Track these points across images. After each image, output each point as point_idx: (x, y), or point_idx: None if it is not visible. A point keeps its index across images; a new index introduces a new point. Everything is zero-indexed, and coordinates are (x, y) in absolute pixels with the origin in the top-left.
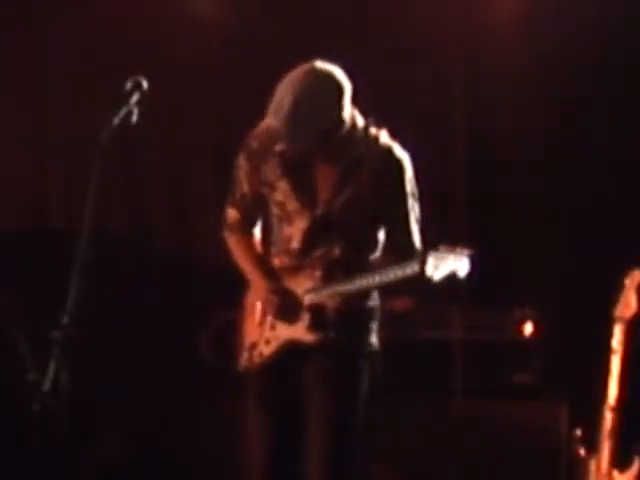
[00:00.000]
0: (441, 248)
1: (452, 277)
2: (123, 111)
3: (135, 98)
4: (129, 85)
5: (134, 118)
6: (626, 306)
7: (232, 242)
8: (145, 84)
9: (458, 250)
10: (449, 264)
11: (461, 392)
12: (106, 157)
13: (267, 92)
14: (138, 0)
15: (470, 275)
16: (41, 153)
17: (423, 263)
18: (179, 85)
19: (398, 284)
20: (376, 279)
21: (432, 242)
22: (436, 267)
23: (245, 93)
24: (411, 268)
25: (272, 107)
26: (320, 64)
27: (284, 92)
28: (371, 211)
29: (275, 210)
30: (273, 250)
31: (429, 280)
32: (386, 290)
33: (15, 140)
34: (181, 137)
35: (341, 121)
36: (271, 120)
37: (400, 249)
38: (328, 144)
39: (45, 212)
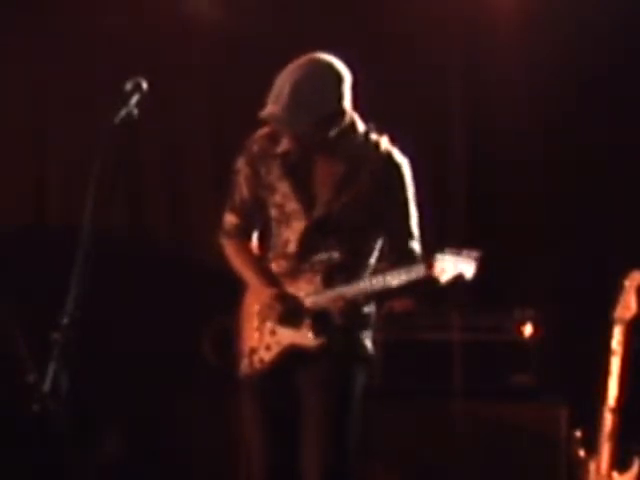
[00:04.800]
0: (447, 250)
1: (458, 280)
2: (123, 111)
3: (135, 99)
4: (129, 86)
5: (134, 118)
6: (626, 307)
7: (230, 248)
8: (145, 85)
9: (465, 253)
10: (456, 267)
11: (461, 393)
12: (106, 157)
13: (268, 93)
14: (138, 1)
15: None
16: (41, 153)
17: (431, 265)
18: (179, 85)
19: (404, 288)
20: (382, 282)
21: (434, 244)
22: (443, 269)
23: (246, 95)
24: (417, 271)
25: (272, 94)
26: (319, 54)
27: (284, 80)
28: (370, 215)
29: (273, 213)
30: (270, 255)
31: (436, 282)
32: (390, 294)
33: (15, 140)
34: (181, 137)
35: (341, 110)
36: (271, 107)
37: (402, 253)
38: (328, 135)
39: (45, 212)
